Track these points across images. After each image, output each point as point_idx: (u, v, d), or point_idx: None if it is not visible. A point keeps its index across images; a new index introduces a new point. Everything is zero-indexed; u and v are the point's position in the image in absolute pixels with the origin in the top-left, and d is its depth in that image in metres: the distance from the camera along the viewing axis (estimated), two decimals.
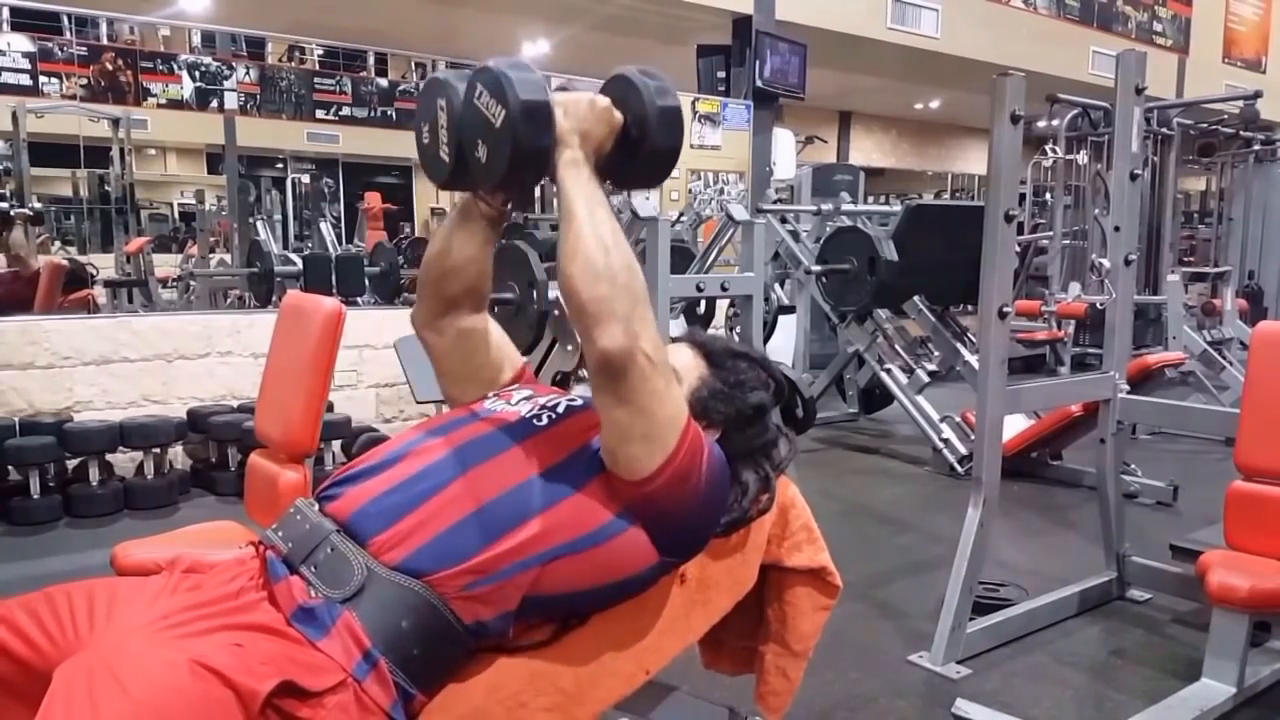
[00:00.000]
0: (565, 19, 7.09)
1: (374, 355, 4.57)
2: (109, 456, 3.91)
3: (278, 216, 7.37)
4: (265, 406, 2.19)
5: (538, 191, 7.77)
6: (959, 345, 4.63)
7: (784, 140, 7.07)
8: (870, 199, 8.30)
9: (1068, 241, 5.63)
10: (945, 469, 4.44)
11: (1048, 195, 6.32)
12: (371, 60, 6.67)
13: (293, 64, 6.57)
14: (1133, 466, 4.03)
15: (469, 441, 1.21)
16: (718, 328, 5.47)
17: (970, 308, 4.17)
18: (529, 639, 1.22)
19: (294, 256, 6.00)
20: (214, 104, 5.44)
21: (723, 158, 6.87)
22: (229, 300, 6.27)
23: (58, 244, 6.50)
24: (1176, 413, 3.30)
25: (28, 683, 1.04)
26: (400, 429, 3.84)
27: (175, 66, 5.22)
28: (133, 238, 6.03)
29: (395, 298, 5.97)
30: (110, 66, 4.89)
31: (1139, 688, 2.34)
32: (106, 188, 6.15)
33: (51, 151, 5.91)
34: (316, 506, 1.18)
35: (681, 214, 6.16)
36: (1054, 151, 4.88)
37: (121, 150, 5.56)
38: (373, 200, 8.12)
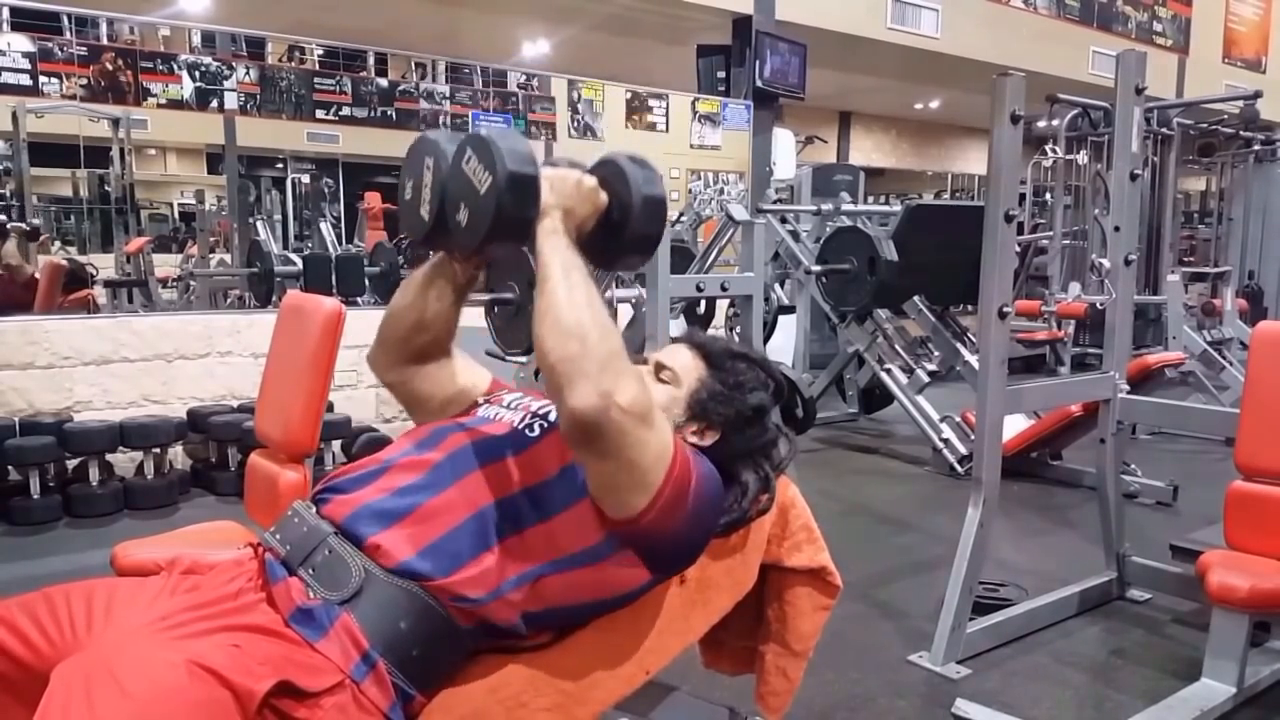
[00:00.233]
0: (565, 19, 7.10)
1: None
2: (109, 456, 3.91)
3: (278, 216, 7.35)
4: (265, 406, 2.19)
5: None
6: (959, 345, 4.63)
7: (784, 140, 7.07)
8: (870, 199, 8.30)
9: (1068, 241, 5.62)
10: (945, 469, 4.44)
11: (1048, 195, 6.32)
12: (371, 60, 6.66)
13: (293, 64, 6.57)
14: (1133, 466, 4.03)
15: (462, 450, 1.21)
16: (718, 328, 5.47)
17: (970, 308, 4.17)
18: (529, 640, 1.22)
19: (294, 256, 5.99)
20: (214, 104, 5.43)
21: (723, 158, 6.88)
22: (229, 300, 6.26)
23: (58, 244, 6.49)
24: (1176, 413, 3.30)
25: (26, 683, 1.04)
26: (400, 429, 3.84)
27: (175, 66, 5.21)
28: (133, 238, 6.02)
29: None
30: (110, 66, 4.88)
31: (1139, 688, 2.34)
32: (106, 188, 6.14)
33: (51, 151, 5.90)
34: (314, 509, 1.18)
35: (681, 214, 6.16)
36: (1054, 151, 4.88)
37: (121, 150, 5.55)
38: (373, 200, 8.11)
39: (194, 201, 7.57)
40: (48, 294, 5.10)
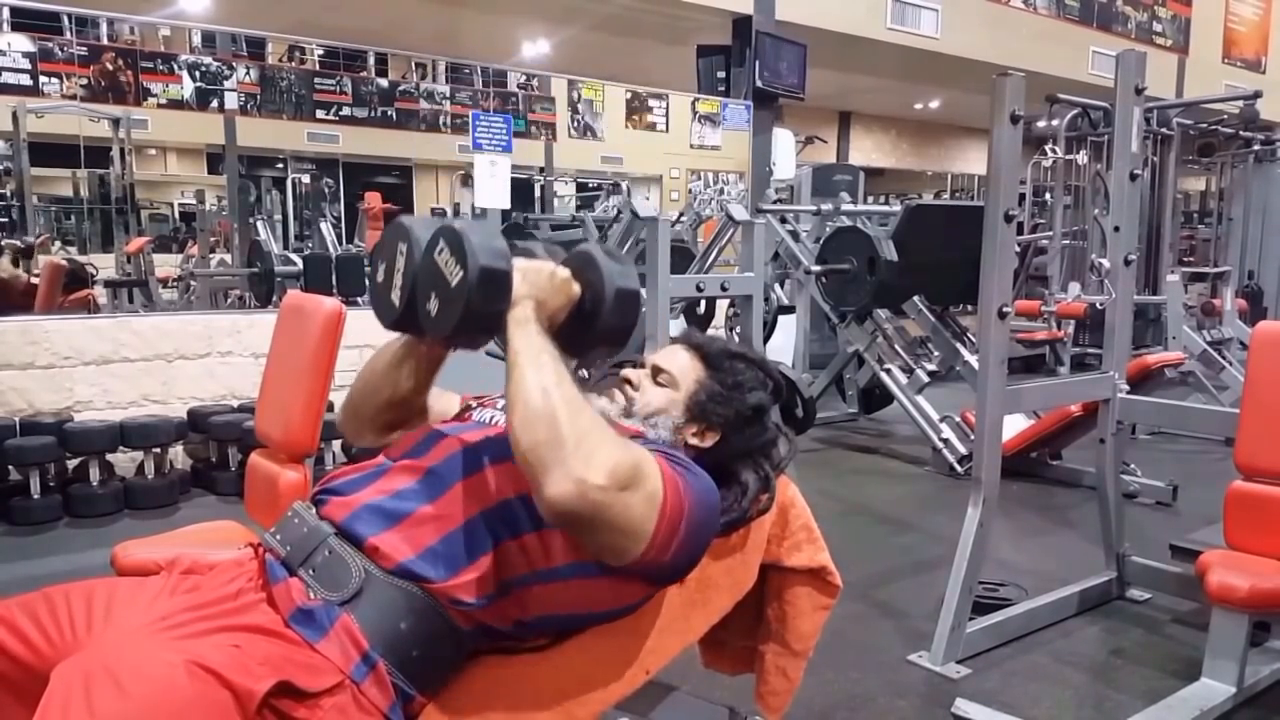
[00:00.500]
0: (565, 19, 7.10)
1: None
2: (109, 456, 3.91)
3: (278, 216, 7.36)
4: (266, 406, 2.19)
5: (536, 191, 7.79)
6: (959, 345, 4.64)
7: (784, 140, 7.07)
8: (870, 199, 8.31)
9: (1068, 241, 5.62)
10: (945, 469, 4.44)
11: (1047, 195, 6.31)
12: (372, 60, 6.67)
13: (293, 64, 6.58)
14: (1132, 466, 4.03)
15: (460, 453, 1.21)
16: (718, 328, 5.48)
17: (970, 308, 4.17)
18: (529, 641, 1.22)
19: (294, 256, 5.99)
20: (214, 104, 5.44)
21: (723, 158, 6.89)
22: (229, 300, 6.26)
23: (58, 244, 6.50)
24: (1176, 413, 3.30)
25: (26, 683, 1.04)
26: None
27: (175, 66, 5.22)
28: (133, 238, 6.02)
29: None
30: (110, 66, 4.89)
31: (1139, 687, 2.34)
32: (106, 188, 6.14)
33: (51, 151, 5.90)
34: (313, 509, 1.18)
35: (681, 214, 6.17)
36: (1054, 151, 4.87)
37: (122, 150, 5.55)
38: (373, 200, 8.12)
39: (194, 201, 7.56)
40: (48, 294, 5.10)
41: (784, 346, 5.63)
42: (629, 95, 6.92)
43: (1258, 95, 5.86)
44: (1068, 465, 4.40)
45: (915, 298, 4.74)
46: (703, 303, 4.84)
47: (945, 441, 4.47)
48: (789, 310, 5.68)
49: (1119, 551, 2.89)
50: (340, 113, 6.17)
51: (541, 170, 7.57)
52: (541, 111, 6.99)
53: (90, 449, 3.76)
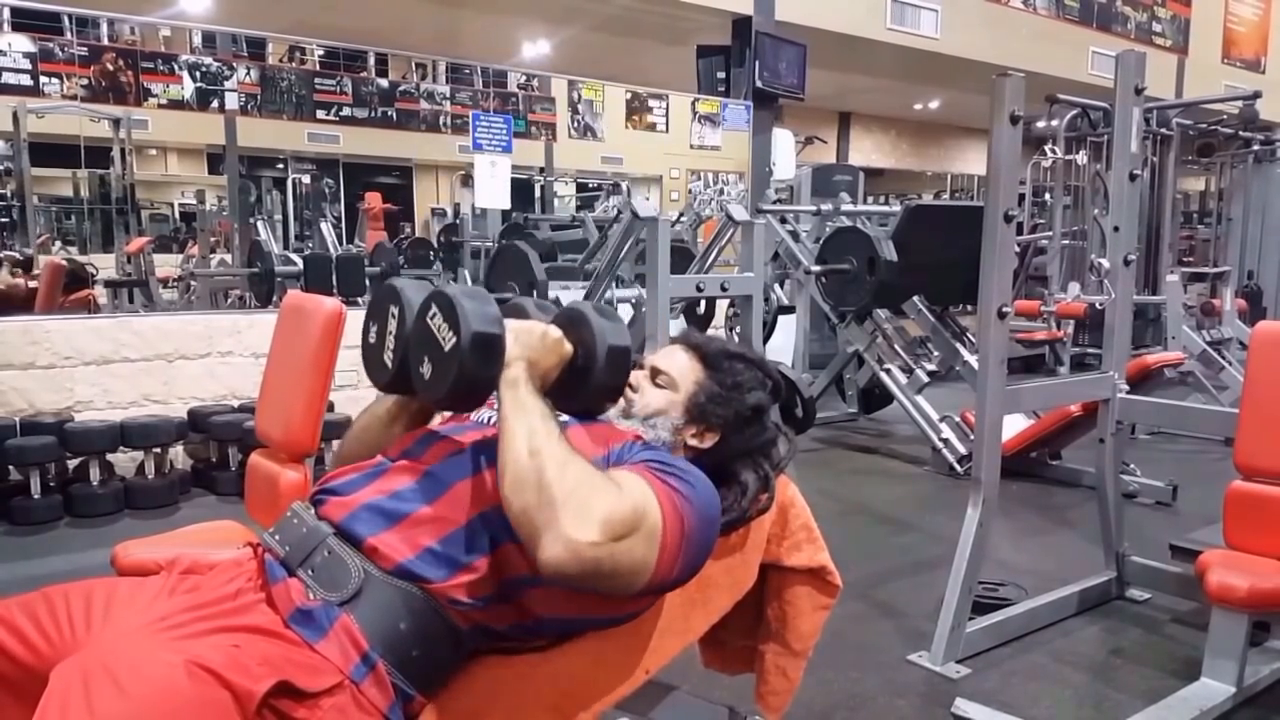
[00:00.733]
0: (565, 19, 7.10)
1: None
2: (109, 456, 3.91)
3: (278, 217, 7.37)
4: (266, 406, 2.19)
5: (536, 191, 7.79)
6: (958, 345, 4.64)
7: (784, 140, 7.08)
8: (870, 199, 8.30)
9: (1067, 241, 5.63)
10: (945, 469, 4.44)
11: (1047, 195, 6.32)
12: (372, 60, 6.67)
13: (293, 64, 6.58)
14: (1132, 466, 4.03)
15: (459, 453, 1.21)
16: (717, 328, 5.48)
17: (970, 308, 4.17)
18: (529, 642, 1.22)
19: (294, 256, 6.00)
20: (214, 104, 5.44)
21: (723, 158, 6.89)
22: (229, 300, 6.27)
23: (58, 244, 6.50)
24: (1176, 413, 3.30)
25: (26, 683, 1.04)
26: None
27: (176, 67, 5.22)
28: (133, 238, 6.03)
29: None
30: (111, 67, 4.89)
31: (1139, 687, 2.34)
32: (107, 188, 6.15)
33: (52, 151, 5.91)
34: (312, 510, 1.18)
35: (681, 214, 6.17)
36: (1053, 151, 4.88)
37: (122, 150, 5.55)
38: (373, 200, 8.12)
39: (194, 201, 7.57)
40: (48, 294, 5.10)
41: (784, 346, 5.63)
42: (629, 95, 6.92)
43: (1257, 95, 5.86)
44: (1068, 465, 4.40)
45: (915, 298, 4.75)
46: (703, 303, 4.84)
47: (945, 441, 4.47)
48: (789, 310, 5.68)
49: (1119, 551, 2.89)
50: (340, 113, 6.18)
51: (541, 170, 7.57)
52: (541, 112, 6.99)
53: (90, 449, 3.76)
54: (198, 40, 6.02)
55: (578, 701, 1.24)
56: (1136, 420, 3.83)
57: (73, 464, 3.89)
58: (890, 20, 7.59)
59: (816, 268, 4.94)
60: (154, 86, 5.10)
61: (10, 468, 3.71)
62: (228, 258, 6.79)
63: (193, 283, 6.35)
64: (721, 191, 6.92)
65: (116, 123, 5.33)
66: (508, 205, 6.18)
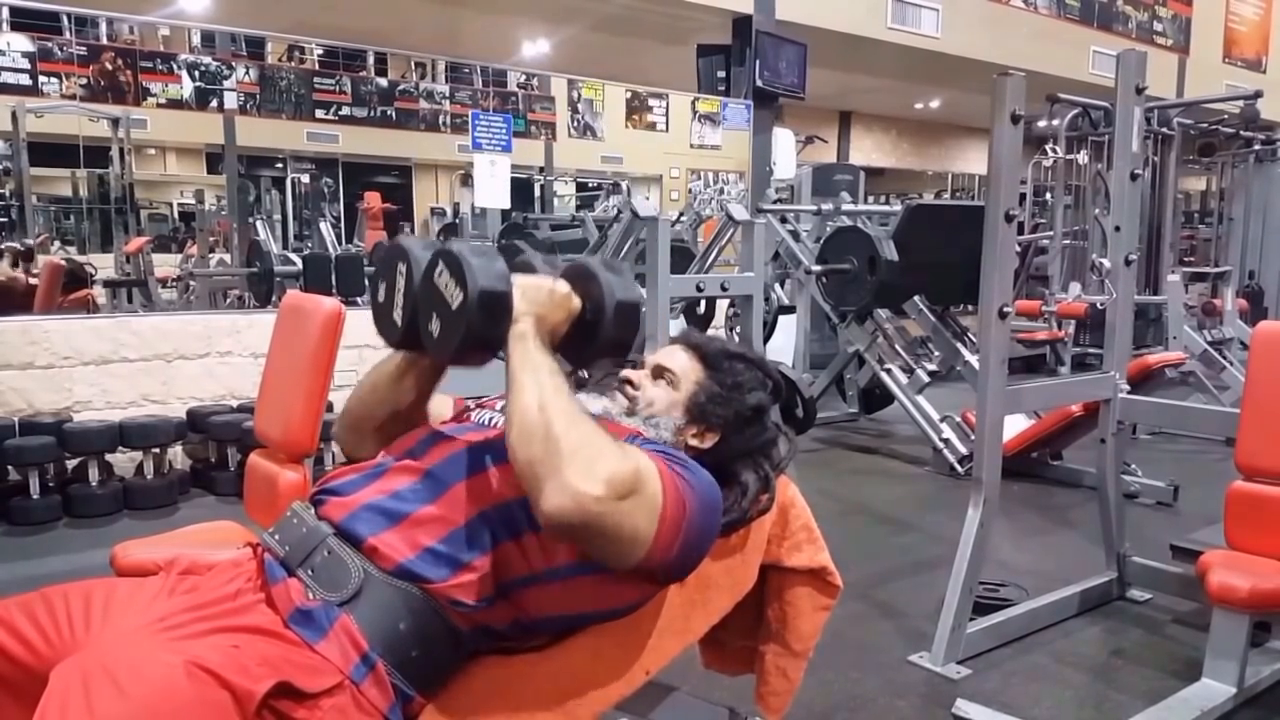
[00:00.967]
0: (565, 19, 7.10)
1: (374, 355, 4.51)
2: (109, 456, 3.91)
3: (277, 216, 7.36)
4: (265, 406, 2.19)
5: (536, 191, 7.79)
6: (959, 345, 4.63)
7: (784, 140, 7.08)
8: (870, 199, 8.31)
9: (1068, 241, 5.62)
10: (945, 469, 4.44)
11: (1048, 195, 6.31)
12: (371, 60, 6.67)
13: (292, 64, 6.57)
14: (1133, 466, 4.03)
15: (459, 454, 1.21)
16: (718, 328, 5.48)
17: (970, 308, 4.17)
18: (529, 641, 1.22)
19: (294, 256, 5.99)
20: (214, 104, 5.43)
21: (723, 158, 6.88)
22: (229, 300, 6.26)
23: (57, 244, 6.49)
24: (1176, 413, 3.30)
25: (25, 683, 1.04)
26: None
27: (175, 66, 5.21)
28: (132, 237, 6.02)
29: None
30: (110, 66, 4.88)
31: (1139, 688, 2.34)
32: (106, 187, 6.14)
33: (51, 151, 5.90)
34: (312, 510, 1.18)
35: (681, 214, 6.17)
36: (1054, 151, 4.88)
37: (121, 150, 5.55)
38: (372, 200, 8.11)
39: (194, 201, 7.57)
40: (47, 294, 5.09)
41: (784, 346, 5.63)
42: (629, 95, 6.91)
43: (1258, 95, 5.86)
44: (1068, 465, 4.40)
45: (915, 298, 4.74)
46: (703, 303, 4.84)
47: (946, 441, 4.47)
48: (789, 310, 5.68)
49: (1119, 552, 2.89)
50: (340, 112, 6.17)
51: (541, 170, 7.57)
52: (541, 111, 6.98)
53: (90, 449, 3.76)
54: (197, 40, 6.02)
55: (578, 701, 1.23)
56: (1137, 420, 3.82)
57: (72, 464, 3.89)
58: (891, 19, 7.59)
59: (817, 267, 4.94)
60: (153, 86, 5.09)
61: (9, 468, 3.71)
62: (227, 257, 6.78)
63: (192, 283, 6.35)
64: (722, 191, 6.92)
65: (115, 122, 5.32)
66: (507, 205, 6.18)
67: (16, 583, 2.82)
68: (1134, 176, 2.76)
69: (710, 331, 4.87)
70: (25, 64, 4.58)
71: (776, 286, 5.65)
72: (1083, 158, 5.10)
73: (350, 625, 1.07)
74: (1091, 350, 6.79)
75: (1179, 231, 7.42)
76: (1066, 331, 6.96)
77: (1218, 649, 2.22)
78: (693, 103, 6.77)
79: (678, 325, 4.20)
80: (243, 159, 6.69)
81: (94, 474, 3.77)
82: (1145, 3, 9.90)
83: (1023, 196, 5.14)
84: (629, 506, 1.07)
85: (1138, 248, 3.10)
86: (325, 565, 1.11)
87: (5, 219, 5.82)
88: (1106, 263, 2.75)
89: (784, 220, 5.58)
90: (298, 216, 7.63)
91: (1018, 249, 2.94)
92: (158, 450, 3.96)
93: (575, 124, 6.98)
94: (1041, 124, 5.24)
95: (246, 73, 5.67)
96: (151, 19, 6.01)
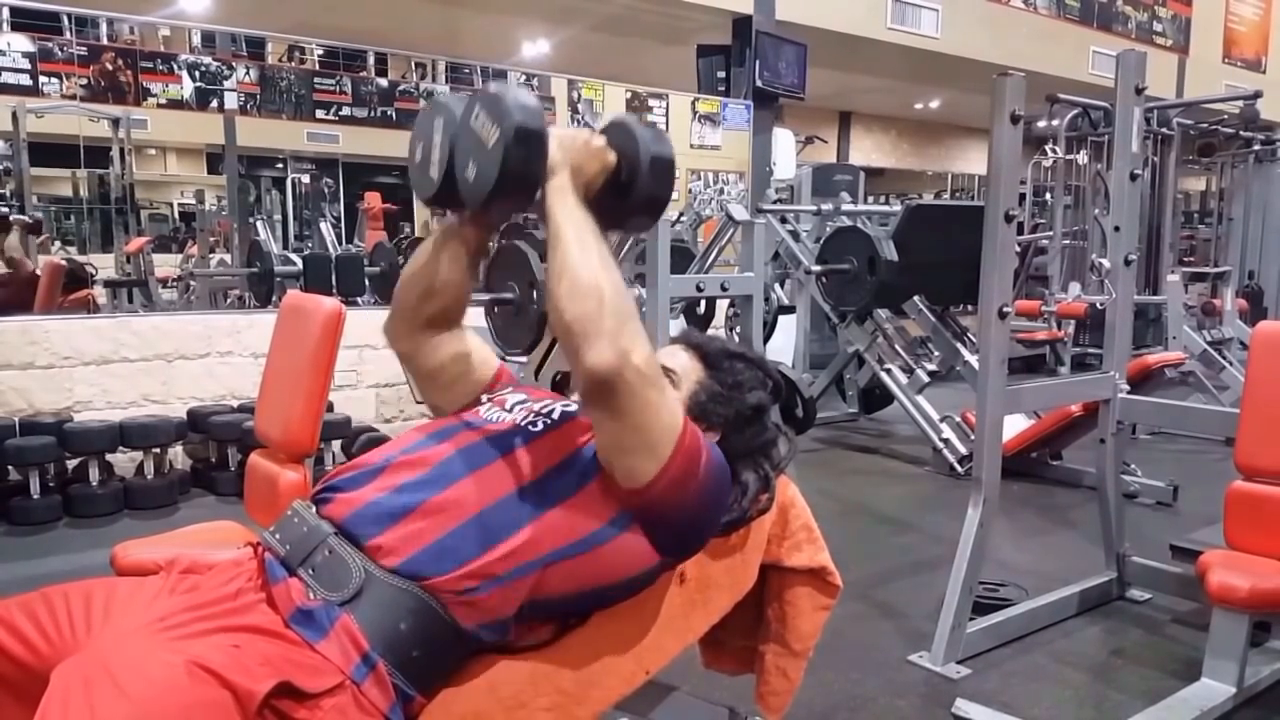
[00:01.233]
0: (565, 19, 7.09)
1: (374, 355, 4.57)
2: (109, 456, 3.91)
3: (278, 216, 7.36)
4: (265, 406, 2.19)
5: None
6: (959, 345, 4.63)
7: (784, 140, 7.08)
8: (870, 199, 8.30)
9: (1068, 241, 5.63)
10: (945, 469, 4.44)
11: (1048, 195, 6.32)
12: (371, 60, 6.66)
13: (293, 64, 6.57)
14: (1133, 466, 4.03)
15: (465, 448, 1.21)
16: (718, 328, 5.47)
17: (970, 308, 4.17)
18: (529, 639, 1.22)
19: (294, 256, 5.99)
20: (214, 104, 5.43)
21: (723, 158, 6.88)
22: (229, 300, 6.26)
23: (58, 244, 6.49)
24: (1176, 413, 3.30)
25: (25, 683, 1.04)
26: (400, 429, 3.84)
27: (175, 66, 5.21)
28: (133, 238, 6.02)
29: None
30: (110, 66, 4.88)
31: (1139, 688, 2.34)
32: (106, 188, 6.14)
33: (51, 151, 5.90)
34: (314, 509, 1.18)
35: (681, 214, 6.16)
36: (1054, 151, 4.88)
37: (121, 150, 5.55)
38: (373, 200, 8.10)
39: (194, 201, 7.57)
40: (48, 294, 5.09)
41: (784, 346, 5.63)
42: (629, 95, 6.91)
43: (1258, 95, 5.86)
44: (1068, 465, 4.40)
45: (915, 298, 4.74)
46: (703, 303, 4.83)
47: (945, 441, 4.47)
48: (789, 310, 5.68)
49: (1119, 552, 2.89)
50: (340, 112, 6.16)
51: None
52: None
53: (90, 449, 3.76)
54: (197, 40, 6.02)
55: (577, 701, 1.23)
56: (1137, 420, 3.82)
57: (72, 464, 3.89)
58: (891, 20, 7.59)
59: (817, 268, 4.94)
60: (153, 86, 5.09)
61: (10, 468, 3.71)
62: (227, 257, 6.78)
63: (192, 283, 6.34)
64: (721, 191, 6.91)
65: (116, 122, 5.32)
66: None
67: (16, 583, 2.82)
68: (1134, 176, 2.76)
69: (710, 331, 4.87)
70: (25, 64, 4.58)
71: (776, 286, 5.64)
72: (1082, 158, 5.11)
73: (351, 625, 1.07)
74: (1091, 350, 6.78)
75: (1179, 231, 7.43)
76: (1066, 331, 6.96)
77: (1217, 649, 2.23)
78: (693, 103, 6.76)
79: (678, 325, 4.20)
80: (243, 159, 6.69)
81: (94, 474, 3.77)
82: (1145, 3, 9.90)
83: (1022, 196, 5.14)
84: (657, 399, 1.11)
85: (1137, 248, 3.10)
86: (326, 564, 1.11)
87: (7, 210, 5.81)
88: (1106, 263, 2.75)
89: (784, 220, 5.57)
90: (298, 216, 7.63)
91: (1017, 249, 2.94)
92: (158, 450, 3.96)
93: (575, 124, 6.97)
94: (1041, 124, 5.25)
95: (247, 73, 5.66)
96: (152, 19, 6.01)
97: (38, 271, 5.22)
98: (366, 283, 6.05)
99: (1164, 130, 5.68)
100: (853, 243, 4.88)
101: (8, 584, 2.79)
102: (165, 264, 6.50)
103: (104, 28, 5.23)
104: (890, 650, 2.52)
